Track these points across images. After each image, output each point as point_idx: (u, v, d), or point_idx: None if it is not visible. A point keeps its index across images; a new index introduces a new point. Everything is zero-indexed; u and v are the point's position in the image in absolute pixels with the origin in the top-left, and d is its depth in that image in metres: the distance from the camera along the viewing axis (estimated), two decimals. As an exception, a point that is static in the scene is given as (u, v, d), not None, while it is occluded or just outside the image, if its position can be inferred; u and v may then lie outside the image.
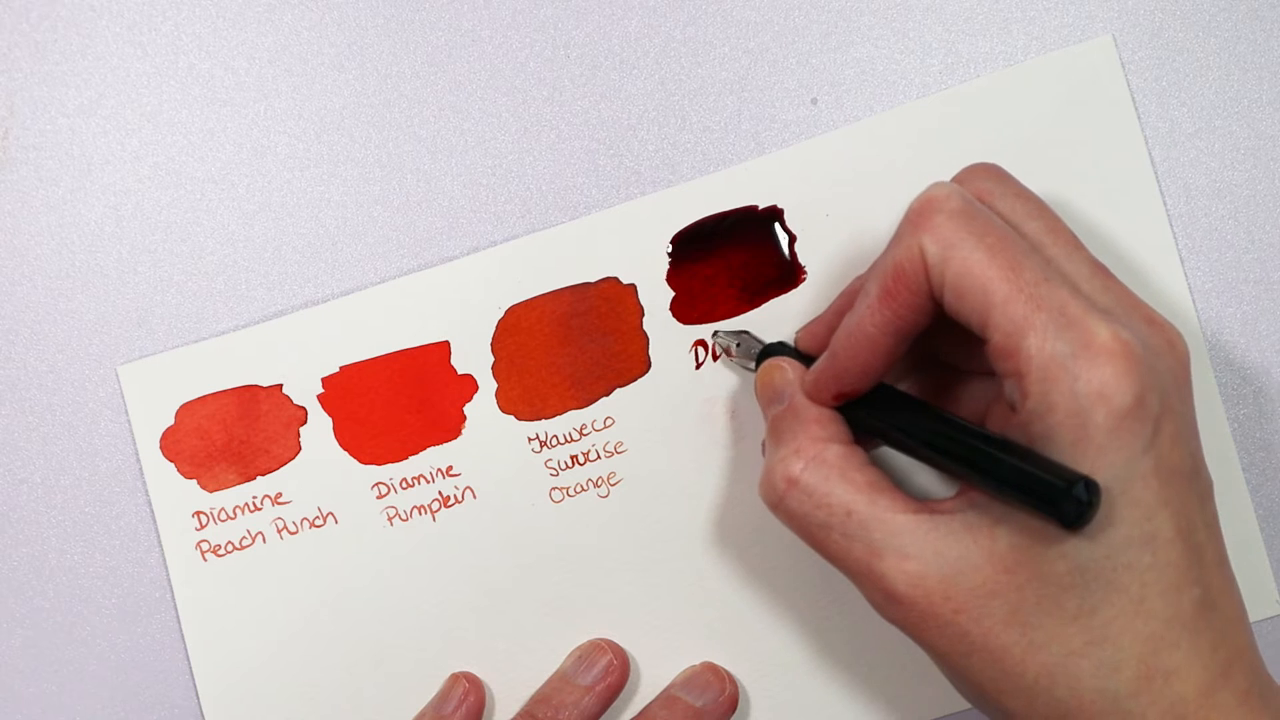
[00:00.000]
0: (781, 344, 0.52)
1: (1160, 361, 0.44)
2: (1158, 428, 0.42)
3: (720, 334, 0.53)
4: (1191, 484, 0.43)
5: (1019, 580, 0.42)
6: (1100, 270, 0.46)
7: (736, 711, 0.53)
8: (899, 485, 0.46)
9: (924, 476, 0.52)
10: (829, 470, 0.46)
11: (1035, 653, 0.42)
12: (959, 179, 0.48)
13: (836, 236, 0.54)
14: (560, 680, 0.53)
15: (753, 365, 0.51)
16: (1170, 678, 0.42)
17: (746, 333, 0.53)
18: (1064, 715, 0.42)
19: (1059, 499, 0.40)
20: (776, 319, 0.54)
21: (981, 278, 0.43)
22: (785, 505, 0.46)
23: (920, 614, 0.43)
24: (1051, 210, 0.47)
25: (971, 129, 0.54)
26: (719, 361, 0.54)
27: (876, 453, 0.51)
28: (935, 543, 0.43)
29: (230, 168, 0.55)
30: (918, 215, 0.44)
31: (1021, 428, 0.43)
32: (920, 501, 0.45)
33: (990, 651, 0.43)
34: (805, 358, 0.50)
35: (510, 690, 0.54)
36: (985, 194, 0.47)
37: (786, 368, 0.49)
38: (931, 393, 0.50)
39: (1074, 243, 0.46)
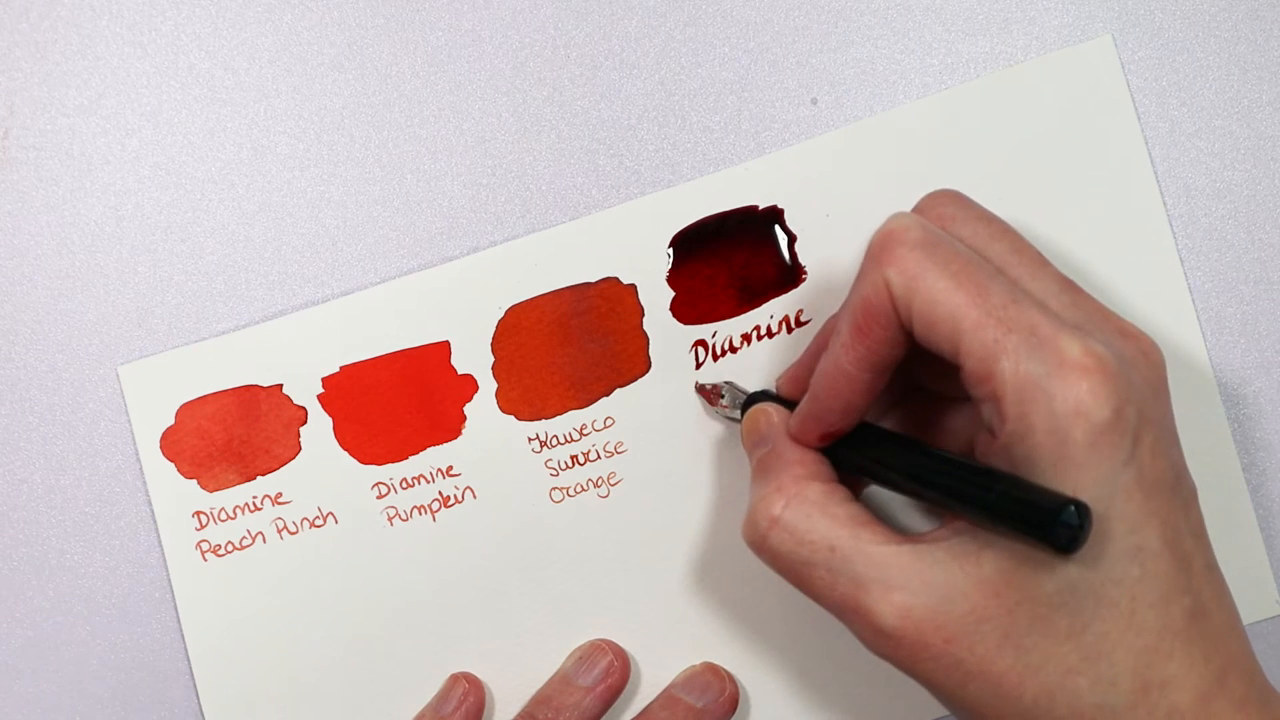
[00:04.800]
0: (765, 391, 0.52)
1: (1135, 372, 0.43)
2: (1137, 439, 0.42)
3: (704, 385, 0.53)
4: (1175, 493, 0.43)
5: (1009, 604, 0.42)
6: (1068, 285, 0.45)
7: (736, 711, 0.53)
8: (884, 521, 0.46)
9: (908, 515, 0.52)
10: (810, 507, 0.45)
11: (1032, 675, 0.42)
12: (919, 207, 0.47)
13: (836, 236, 0.54)
14: (561, 681, 0.53)
15: (738, 415, 0.51)
16: (1165, 688, 0.42)
17: (730, 383, 0.53)
18: None
19: (1050, 525, 0.40)
20: (776, 319, 0.54)
21: (949, 305, 0.43)
22: (768, 544, 0.46)
23: (911, 646, 0.43)
24: (1014, 230, 0.46)
25: (971, 129, 0.54)
26: (702, 410, 0.54)
27: (863, 494, 0.50)
28: (921, 572, 0.43)
29: (230, 168, 0.55)
30: (879, 249, 0.44)
31: (1003, 451, 0.43)
32: (904, 534, 0.45)
33: (986, 678, 0.42)
34: (790, 404, 0.50)
35: (510, 690, 0.54)
36: (947, 219, 0.46)
37: (771, 412, 0.49)
38: (917, 424, 0.50)
39: (1039, 260, 0.46)
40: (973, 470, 0.43)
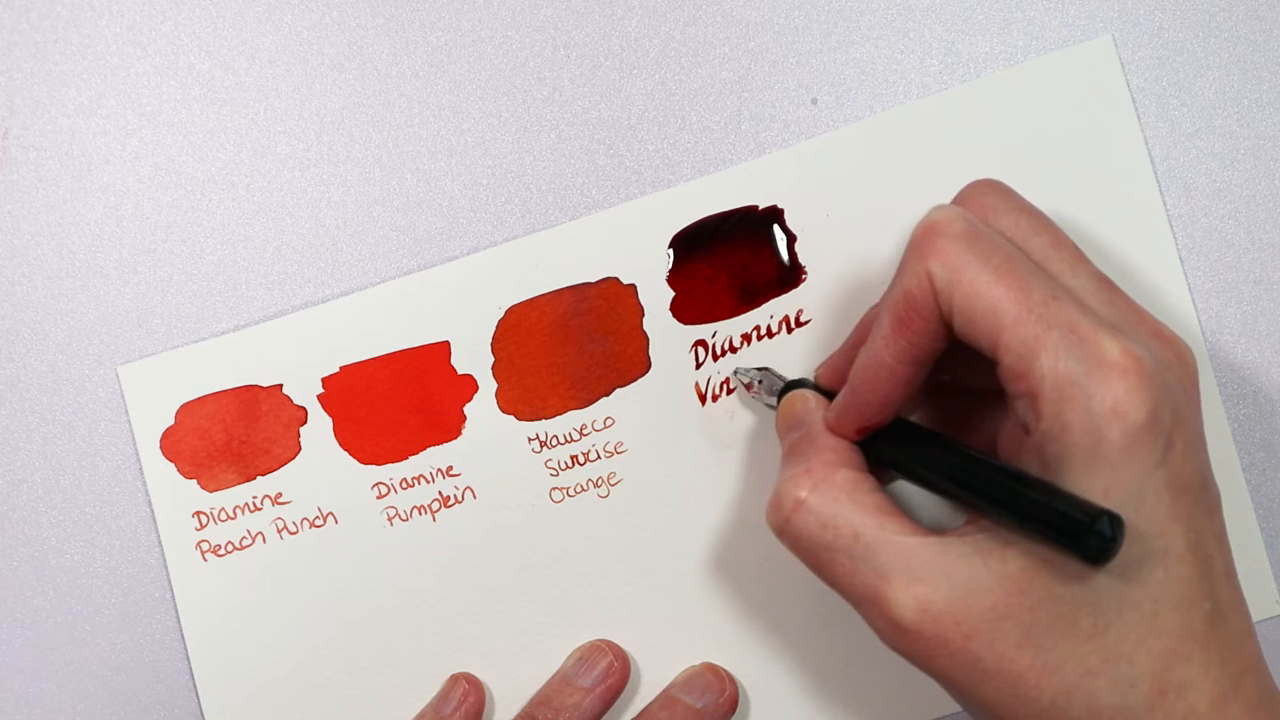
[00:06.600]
0: (803, 380, 0.51)
1: (1170, 375, 0.43)
2: (1170, 443, 0.42)
3: (742, 370, 0.53)
4: (1201, 498, 0.43)
5: (1031, 601, 0.42)
6: (1105, 283, 0.45)
7: (736, 712, 0.53)
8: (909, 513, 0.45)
9: (932, 510, 0.52)
10: (837, 492, 0.45)
11: (1050, 675, 0.42)
12: (961, 197, 0.47)
13: (836, 236, 0.54)
14: (561, 682, 0.53)
15: (774, 402, 0.51)
16: (1183, 691, 0.42)
17: (768, 369, 0.53)
18: None
19: (1083, 535, 0.40)
20: (776, 319, 0.54)
21: (990, 299, 0.43)
22: (791, 526, 0.45)
23: (929, 641, 0.43)
24: (1054, 224, 0.46)
25: (971, 129, 0.54)
26: (736, 396, 0.54)
27: (889, 487, 0.50)
28: (945, 565, 0.43)
29: (230, 168, 0.55)
30: (921, 241, 0.44)
31: (1036, 449, 0.43)
32: (929, 527, 0.44)
33: (1004, 677, 0.42)
34: (828, 394, 0.49)
35: (510, 690, 0.54)
36: (988, 210, 0.46)
37: (810, 398, 0.49)
38: (944, 419, 0.50)
39: (1078, 256, 0.46)
40: (1007, 474, 0.43)
